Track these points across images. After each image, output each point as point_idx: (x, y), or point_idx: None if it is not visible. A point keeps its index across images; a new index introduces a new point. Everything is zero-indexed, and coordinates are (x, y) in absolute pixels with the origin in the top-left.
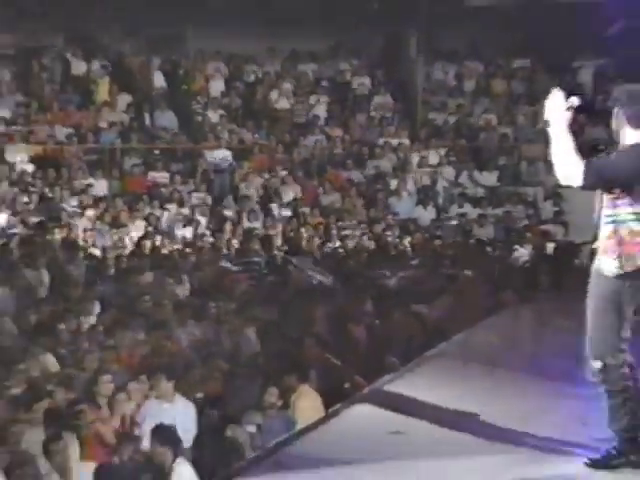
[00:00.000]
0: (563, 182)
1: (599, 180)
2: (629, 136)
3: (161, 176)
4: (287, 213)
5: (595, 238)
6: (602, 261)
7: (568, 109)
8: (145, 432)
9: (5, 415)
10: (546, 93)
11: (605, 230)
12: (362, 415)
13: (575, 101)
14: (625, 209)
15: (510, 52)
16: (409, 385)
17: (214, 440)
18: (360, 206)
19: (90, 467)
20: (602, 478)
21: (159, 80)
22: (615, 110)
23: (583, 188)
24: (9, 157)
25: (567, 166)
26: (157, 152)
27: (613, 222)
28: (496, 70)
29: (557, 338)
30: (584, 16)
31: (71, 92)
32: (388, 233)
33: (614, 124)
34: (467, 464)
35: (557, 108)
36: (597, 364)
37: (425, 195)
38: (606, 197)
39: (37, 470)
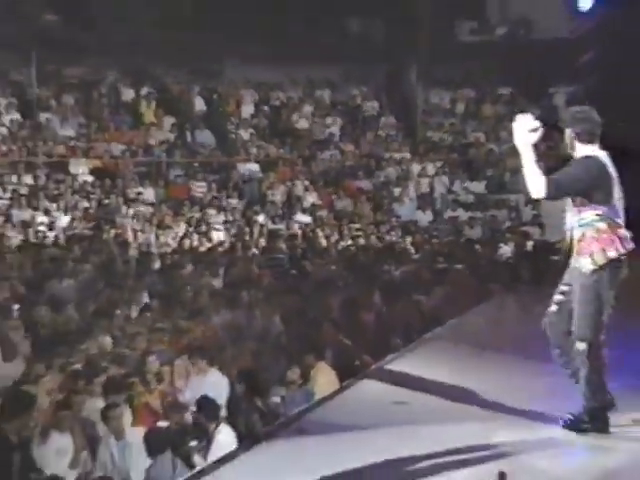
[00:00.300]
0: (532, 195)
1: (559, 192)
2: (579, 150)
3: (200, 185)
4: (307, 217)
5: (566, 239)
6: (578, 260)
7: (533, 131)
8: (188, 402)
9: (69, 387)
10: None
11: (576, 234)
12: (370, 388)
13: (538, 125)
14: (589, 212)
15: (495, 81)
16: (410, 363)
17: (245, 409)
18: (368, 210)
19: (140, 431)
20: (572, 439)
21: (199, 104)
22: (566, 130)
23: (547, 199)
24: (72, 169)
25: (533, 182)
26: (197, 165)
27: (581, 226)
28: (484, 96)
29: (536, 324)
30: (558, 50)
31: (124, 115)
32: (392, 233)
33: (567, 142)
34: (459, 429)
35: (523, 131)
36: (582, 345)
37: (424, 201)
38: (572, 204)
39: (96, 433)
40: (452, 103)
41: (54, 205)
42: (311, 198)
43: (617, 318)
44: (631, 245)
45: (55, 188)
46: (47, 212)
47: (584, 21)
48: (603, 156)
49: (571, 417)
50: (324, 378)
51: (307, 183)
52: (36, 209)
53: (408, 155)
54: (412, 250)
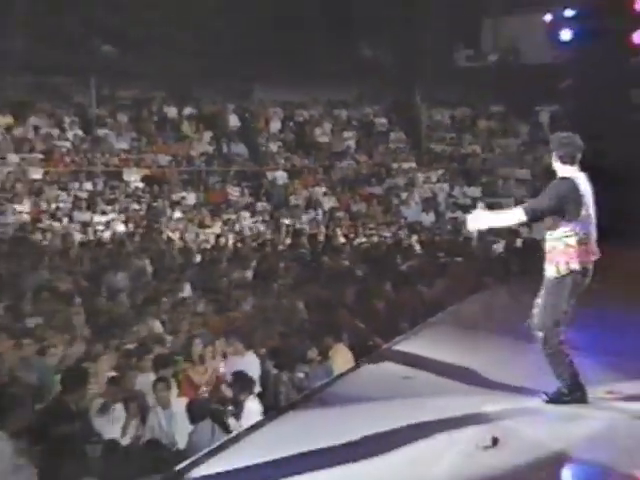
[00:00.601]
0: (519, 222)
1: (536, 215)
2: (560, 171)
3: (235, 190)
4: (326, 218)
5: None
6: (546, 268)
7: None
8: (225, 377)
9: (123, 364)
10: (515, 130)
11: (547, 246)
12: (381, 365)
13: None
14: (561, 230)
15: (488, 100)
16: (415, 344)
17: (273, 383)
18: (379, 212)
19: (184, 402)
20: (553, 409)
21: (233, 121)
22: (552, 153)
23: (530, 222)
24: (126, 177)
25: (511, 218)
26: (232, 173)
27: (552, 240)
28: (479, 113)
29: (524, 310)
30: (542, 75)
31: (169, 130)
32: (400, 232)
33: (553, 163)
34: (458, 400)
35: (477, 219)
36: (539, 334)
37: (427, 204)
38: (549, 221)
39: (146, 403)
40: (451, 119)
41: (110, 208)
42: (330, 202)
43: (592, 305)
44: (596, 257)
45: (111, 193)
46: (104, 214)
47: (564, 51)
48: (580, 177)
49: (553, 392)
50: (341, 357)
51: (327, 189)
52: (94, 211)
53: (414, 165)
54: (417, 247)
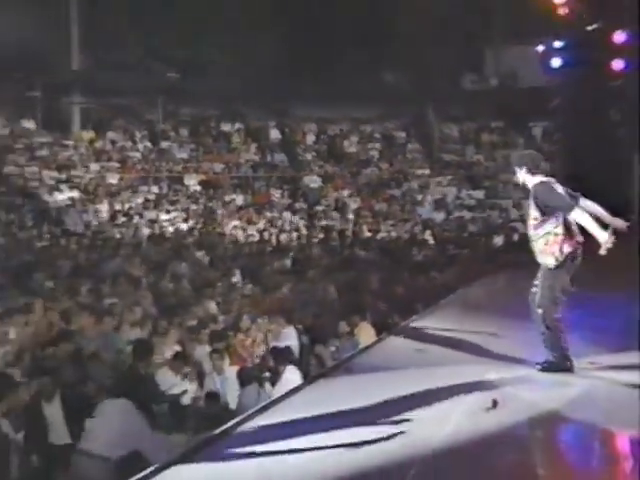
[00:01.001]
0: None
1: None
2: (530, 180)
3: (276, 193)
4: (353, 216)
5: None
6: (545, 259)
7: None
8: (268, 349)
9: (185, 338)
10: (513, 142)
11: (542, 241)
12: (399, 340)
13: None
14: (549, 225)
15: (490, 117)
16: (428, 321)
17: (309, 355)
18: (398, 211)
19: (234, 369)
20: (545, 377)
21: (275, 134)
22: (516, 169)
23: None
24: (186, 182)
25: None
26: (274, 178)
27: (545, 234)
28: (482, 128)
29: (520, 293)
30: (535, 96)
31: (222, 142)
32: (415, 228)
33: (520, 178)
34: (464, 369)
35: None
36: (540, 310)
37: (438, 204)
38: (535, 221)
39: (203, 370)
40: (459, 133)
41: (173, 207)
42: (356, 203)
43: (580, 290)
44: (581, 238)
45: (174, 195)
46: (168, 212)
47: (554, 76)
48: (552, 181)
49: (545, 362)
50: (365, 333)
51: (353, 192)
52: (160, 210)
53: (427, 171)
54: (430, 240)
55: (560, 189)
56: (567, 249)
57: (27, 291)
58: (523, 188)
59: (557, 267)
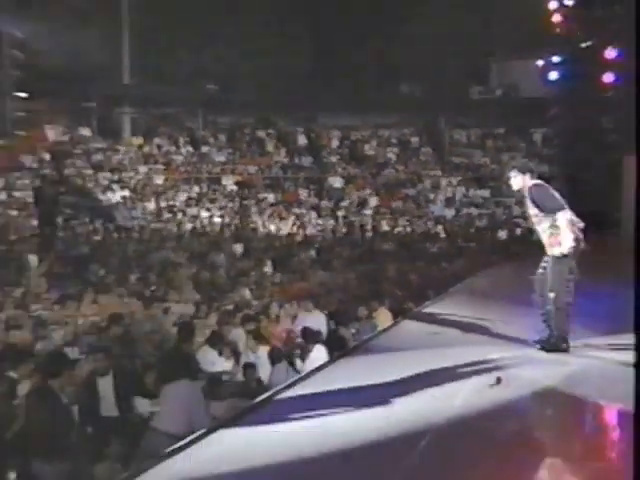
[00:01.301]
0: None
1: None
2: (527, 182)
3: (304, 192)
4: (372, 212)
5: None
6: (552, 250)
7: None
8: (297, 330)
9: (222, 320)
10: (515, 147)
11: (545, 235)
12: (414, 323)
13: None
14: (550, 218)
15: (495, 124)
16: (440, 307)
17: (333, 336)
18: (413, 208)
19: (266, 349)
20: (544, 356)
21: (302, 139)
22: (513, 174)
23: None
24: (223, 182)
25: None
26: (301, 179)
27: (547, 229)
28: (488, 134)
29: (521, 282)
30: (535, 105)
31: (255, 147)
32: (428, 223)
33: (517, 183)
34: (471, 350)
35: None
36: (552, 294)
37: (449, 202)
38: (536, 219)
39: (238, 349)
40: (467, 139)
41: (212, 205)
42: (375, 200)
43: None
44: (582, 224)
45: (212, 194)
46: (208, 209)
47: (552, 87)
48: (542, 182)
49: (543, 341)
50: (383, 317)
51: (372, 191)
52: (201, 207)
53: (439, 172)
54: (441, 234)
55: (552, 191)
56: (570, 238)
57: (83, 279)
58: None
59: (563, 256)
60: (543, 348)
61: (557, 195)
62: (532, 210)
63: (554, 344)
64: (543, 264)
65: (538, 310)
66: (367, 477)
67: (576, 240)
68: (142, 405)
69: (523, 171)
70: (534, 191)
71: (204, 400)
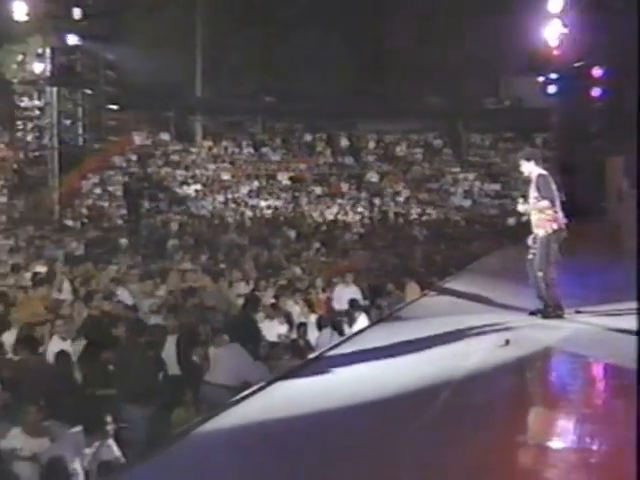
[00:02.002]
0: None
1: (552, 200)
2: (535, 170)
3: (345, 186)
4: (403, 203)
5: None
6: (538, 230)
7: None
8: (341, 303)
9: (278, 294)
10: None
11: (535, 218)
12: (437, 297)
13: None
14: (544, 202)
15: (504, 128)
16: (459, 282)
17: (370, 306)
18: (437, 199)
19: (314, 316)
20: (544, 322)
21: (345, 142)
22: (524, 161)
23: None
24: (279, 178)
25: (542, 207)
26: (344, 175)
27: (538, 213)
28: (498, 137)
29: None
30: (537, 114)
31: (306, 149)
32: (450, 212)
33: (527, 168)
34: (483, 317)
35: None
36: (540, 273)
37: (467, 194)
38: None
39: (291, 317)
40: (481, 141)
41: (269, 196)
42: (406, 193)
43: (567, 257)
44: (565, 221)
45: (270, 187)
46: (266, 200)
47: (551, 99)
48: (547, 173)
49: (543, 310)
50: (412, 290)
51: (404, 185)
52: (260, 199)
53: (458, 169)
54: (461, 221)
55: (552, 182)
56: (554, 226)
57: (163, 258)
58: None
59: (547, 238)
60: (543, 315)
61: (554, 187)
62: (533, 193)
63: (551, 311)
64: (532, 250)
65: (533, 288)
66: (396, 422)
67: (558, 227)
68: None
69: (528, 158)
70: (540, 178)
71: (252, 359)
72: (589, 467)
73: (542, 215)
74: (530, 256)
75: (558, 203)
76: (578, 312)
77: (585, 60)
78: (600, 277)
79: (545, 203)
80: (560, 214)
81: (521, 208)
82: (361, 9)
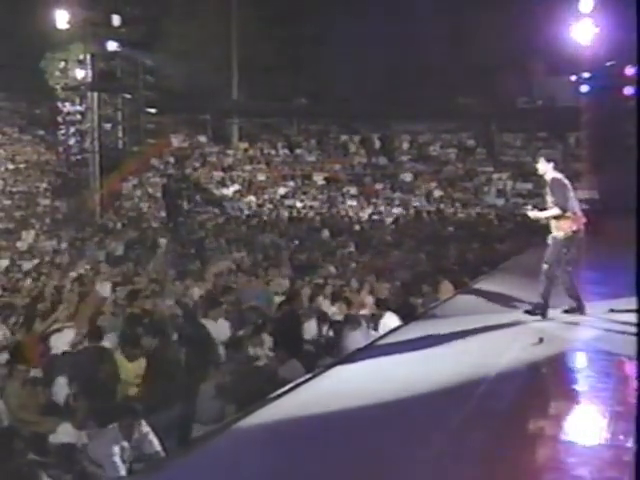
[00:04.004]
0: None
1: (564, 208)
2: (551, 173)
3: (379, 186)
4: (437, 202)
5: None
6: (557, 232)
7: None
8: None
9: (314, 292)
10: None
11: (557, 221)
12: (468, 295)
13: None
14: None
15: (537, 128)
16: (491, 280)
17: (404, 304)
18: (470, 198)
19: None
20: (570, 320)
21: (378, 143)
22: (543, 161)
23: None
24: (314, 178)
25: (553, 214)
26: (378, 175)
27: (556, 217)
28: (531, 137)
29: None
30: (570, 113)
31: (340, 149)
32: (484, 210)
33: (543, 168)
34: (516, 316)
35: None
36: (545, 266)
37: (499, 193)
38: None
39: (327, 316)
40: (514, 140)
41: (305, 197)
42: (439, 192)
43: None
44: (584, 221)
45: (305, 188)
46: (302, 201)
47: (583, 98)
48: (562, 176)
49: (573, 308)
50: (445, 289)
51: (436, 184)
52: (295, 199)
53: (491, 169)
54: (494, 220)
55: (568, 185)
56: (573, 228)
57: (201, 257)
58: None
59: (566, 239)
60: (528, 312)
61: (571, 194)
62: (549, 197)
63: (537, 309)
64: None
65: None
66: (434, 415)
67: (574, 231)
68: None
69: (549, 159)
70: (554, 183)
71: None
72: (622, 464)
73: (562, 218)
74: (545, 266)
75: (575, 205)
76: (612, 311)
77: (617, 59)
78: (632, 275)
79: (556, 211)
80: (578, 215)
81: (531, 214)
82: (393, 9)
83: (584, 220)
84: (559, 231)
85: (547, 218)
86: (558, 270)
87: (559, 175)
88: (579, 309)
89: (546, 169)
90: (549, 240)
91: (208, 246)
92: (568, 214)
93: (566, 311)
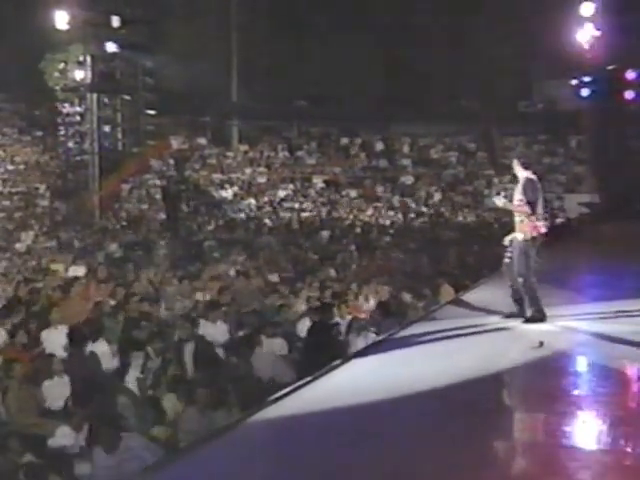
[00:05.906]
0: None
1: (532, 205)
2: (522, 173)
3: (380, 189)
4: (437, 205)
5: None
6: (517, 234)
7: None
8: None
9: (313, 295)
10: (555, 151)
11: (517, 220)
12: (469, 298)
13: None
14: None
15: (537, 131)
16: (491, 284)
17: (404, 307)
18: (470, 201)
19: (349, 318)
20: (570, 324)
21: (379, 145)
22: (514, 161)
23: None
24: (314, 181)
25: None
26: (379, 178)
27: (520, 217)
28: (532, 140)
29: (554, 261)
30: (570, 116)
31: (341, 152)
32: (484, 213)
33: (518, 169)
34: (516, 319)
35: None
36: (520, 279)
37: (500, 196)
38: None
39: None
40: (515, 144)
41: (304, 199)
42: (439, 195)
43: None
44: (544, 230)
45: (305, 191)
46: (301, 203)
47: (584, 102)
48: (535, 177)
49: (514, 313)
50: (446, 292)
51: (437, 188)
52: (295, 202)
53: (492, 172)
54: (494, 224)
55: (540, 188)
56: (534, 233)
57: (201, 260)
58: (564, 184)
59: (524, 244)
60: (507, 316)
61: (540, 199)
62: (519, 195)
63: (516, 314)
64: (508, 254)
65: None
66: (437, 410)
67: (537, 234)
68: None
69: (523, 164)
70: (528, 182)
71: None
72: (623, 469)
73: (525, 219)
74: (507, 260)
75: (540, 210)
76: (618, 313)
77: (618, 63)
78: (633, 278)
79: (525, 208)
80: (541, 221)
81: (498, 202)
82: (394, 12)
83: (544, 230)
84: (519, 233)
85: (514, 213)
86: (534, 277)
87: (533, 177)
88: (520, 314)
89: (519, 170)
90: (505, 242)
91: (207, 249)
92: (533, 217)
93: (507, 316)
